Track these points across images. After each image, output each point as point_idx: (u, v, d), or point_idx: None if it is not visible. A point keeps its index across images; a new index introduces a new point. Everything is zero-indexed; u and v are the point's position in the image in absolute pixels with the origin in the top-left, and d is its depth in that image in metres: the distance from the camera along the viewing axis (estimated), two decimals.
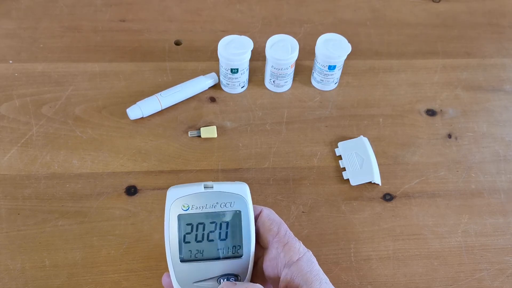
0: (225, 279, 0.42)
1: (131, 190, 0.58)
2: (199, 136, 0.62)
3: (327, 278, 0.42)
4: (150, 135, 0.63)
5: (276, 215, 0.45)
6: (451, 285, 0.53)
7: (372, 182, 0.59)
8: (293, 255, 0.42)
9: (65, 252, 0.53)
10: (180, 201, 0.43)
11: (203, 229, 0.43)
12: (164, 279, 0.44)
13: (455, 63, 0.73)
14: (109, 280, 0.51)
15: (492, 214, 0.58)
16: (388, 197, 0.59)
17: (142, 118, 0.64)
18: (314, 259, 0.42)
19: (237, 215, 0.43)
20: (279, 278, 0.42)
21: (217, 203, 0.43)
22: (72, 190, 0.57)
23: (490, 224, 0.57)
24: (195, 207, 0.43)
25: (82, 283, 0.51)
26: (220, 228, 0.43)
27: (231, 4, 0.79)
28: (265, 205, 0.57)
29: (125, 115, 0.63)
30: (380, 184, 0.59)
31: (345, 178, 0.60)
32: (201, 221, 0.43)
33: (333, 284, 0.42)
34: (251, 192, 0.44)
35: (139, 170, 0.59)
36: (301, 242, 0.43)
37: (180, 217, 0.42)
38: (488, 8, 0.81)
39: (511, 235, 0.56)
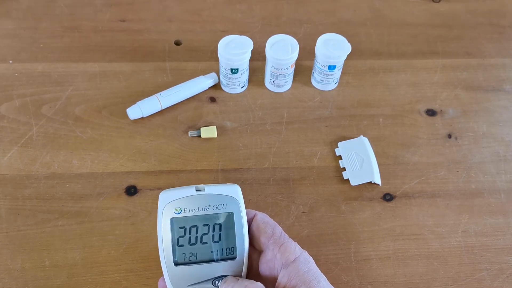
0: (220, 281, 0.42)
1: (131, 190, 0.58)
2: (199, 136, 0.63)
3: (325, 277, 0.42)
4: (150, 135, 0.63)
5: (270, 218, 0.45)
6: (451, 285, 0.53)
7: (372, 182, 0.59)
8: (290, 255, 0.42)
9: (65, 252, 0.53)
10: (172, 204, 0.43)
11: (196, 232, 0.43)
12: (160, 283, 0.44)
13: (455, 63, 0.73)
14: (109, 280, 0.51)
15: (492, 214, 0.58)
16: (388, 197, 0.59)
17: (142, 118, 0.64)
18: (311, 259, 0.42)
19: (230, 216, 0.43)
20: (276, 279, 0.42)
21: (209, 205, 0.43)
22: (72, 190, 0.57)
23: (490, 224, 0.57)
24: (187, 210, 0.43)
25: (82, 283, 0.51)
26: (213, 230, 0.43)
27: (231, 4, 0.79)
28: (265, 205, 0.57)
29: (125, 115, 0.63)
30: (380, 184, 0.59)
31: (345, 178, 0.59)
32: (194, 224, 0.43)
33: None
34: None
35: (139, 170, 0.59)
36: (296, 243, 0.43)
37: (172, 220, 0.42)
38: (488, 8, 0.81)
39: (511, 235, 0.56)
